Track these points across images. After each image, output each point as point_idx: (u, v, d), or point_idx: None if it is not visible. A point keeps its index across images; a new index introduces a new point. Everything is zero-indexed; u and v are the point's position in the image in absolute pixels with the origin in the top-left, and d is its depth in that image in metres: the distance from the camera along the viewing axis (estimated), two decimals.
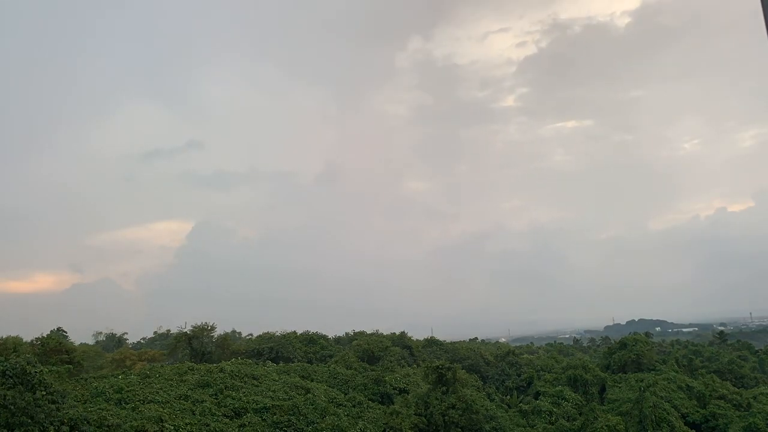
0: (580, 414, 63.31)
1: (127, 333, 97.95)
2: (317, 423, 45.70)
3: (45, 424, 27.39)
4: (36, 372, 29.35)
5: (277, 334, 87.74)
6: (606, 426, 56.33)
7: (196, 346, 71.28)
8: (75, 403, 34.40)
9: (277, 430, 44.11)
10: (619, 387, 71.83)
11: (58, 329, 75.78)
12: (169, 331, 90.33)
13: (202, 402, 44.95)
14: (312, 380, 59.97)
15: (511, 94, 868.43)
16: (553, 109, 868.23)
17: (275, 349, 76.99)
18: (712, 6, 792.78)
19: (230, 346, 77.68)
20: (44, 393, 28.79)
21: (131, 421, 35.72)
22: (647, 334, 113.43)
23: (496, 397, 70.62)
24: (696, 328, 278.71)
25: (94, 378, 49.46)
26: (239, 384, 51.45)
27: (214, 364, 58.15)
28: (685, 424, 63.50)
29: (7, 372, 28.23)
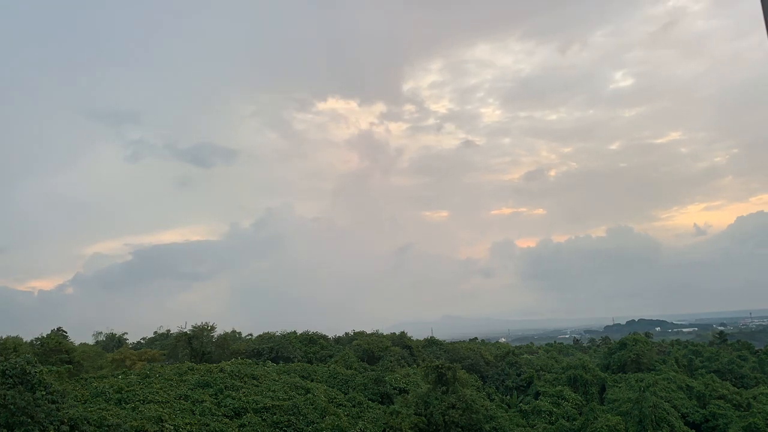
0: (580, 414, 63.31)
1: (127, 333, 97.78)
2: (317, 423, 45.69)
3: (45, 424, 27.38)
4: (36, 372, 29.33)
5: (277, 334, 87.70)
6: (606, 426, 56.30)
7: (196, 346, 71.21)
8: (75, 403, 34.38)
9: (277, 430, 44.10)
10: (619, 387, 71.78)
11: (58, 329, 75.58)
12: (169, 331, 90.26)
13: (202, 402, 44.94)
14: (312, 380, 59.95)
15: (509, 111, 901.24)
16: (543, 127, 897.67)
17: (275, 349, 76.95)
18: (690, 31, 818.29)
19: (230, 346, 77.64)
20: (44, 393, 28.76)
21: (131, 421, 35.71)
22: (647, 334, 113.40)
23: (496, 397, 70.60)
24: (696, 328, 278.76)
25: (94, 378, 49.42)
26: (239, 384, 51.44)
27: (214, 364, 58.12)
28: (685, 424, 63.47)
29: (7, 372, 28.22)
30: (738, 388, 75.95)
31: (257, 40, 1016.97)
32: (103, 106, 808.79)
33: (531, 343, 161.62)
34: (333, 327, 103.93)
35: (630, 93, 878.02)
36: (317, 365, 70.50)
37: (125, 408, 39.75)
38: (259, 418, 44.42)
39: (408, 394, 58.60)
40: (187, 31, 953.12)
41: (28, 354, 35.47)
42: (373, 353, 76.46)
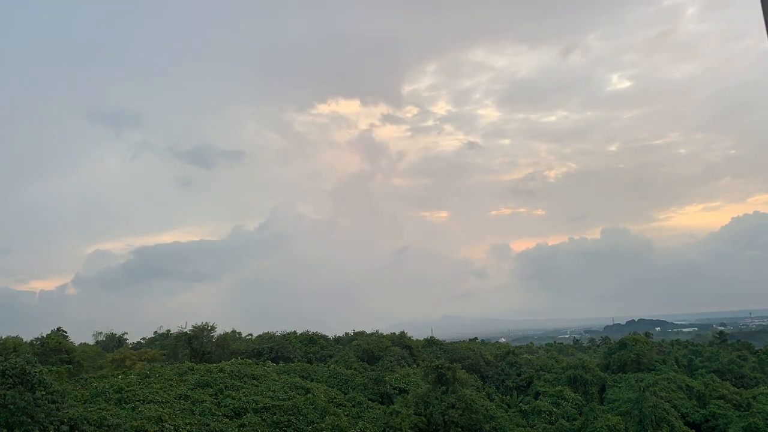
0: (580, 414, 63.29)
1: (126, 333, 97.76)
2: (317, 423, 45.69)
3: (45, 424, 27.37)
4: (36, 372, 29.32)
5: (277, 334, 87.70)
6: (606, 426, 56.29)
7: (196, 346, 71.22)
8: (75, 403, 34.38)
9: (277, 430, 44.09)
10: (619, 387, 71.75)
11: (58, 329, 75.56)
12: (169, 331, 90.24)
13: (202, 402, 44.94)
14: (312, 380, 59.96)
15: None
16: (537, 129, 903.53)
17: (275, 349, 76.93)
18: (686, 34, 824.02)
19: (230, 346, 77.61)
20: (44, 393, 28.76)
21: (131, 421, 35.71)
22: (647, 334, 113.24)
23: (495, 397, 70.55)
24: (696, 328, 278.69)
25: (94, 378, 49.47)
26: (239, 384, 51.45)
27: (214, 364, 58.13)
28: (685, 424, 63.45)
29: (7, 372, 28.21)
30: (738, 388, 75.86)
31: (257, 42, 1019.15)
32: (105, 108, 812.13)
33: (531, 343, 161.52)
34: (333, 327, 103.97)
35: (627, 95, 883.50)
36: (317, 365, 70.49)
37: (125, 408, 39.76)
38: (259, 418, 44.41)
39: (408, 394, 58.59)
40: (189, 34, 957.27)
41: (28, 354, 35.48)
42: (373, 353, 76.42)
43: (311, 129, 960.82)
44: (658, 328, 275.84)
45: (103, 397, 42.20)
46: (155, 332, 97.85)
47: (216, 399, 46.82)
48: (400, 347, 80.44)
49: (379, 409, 54.16)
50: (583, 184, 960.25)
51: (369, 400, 57.02)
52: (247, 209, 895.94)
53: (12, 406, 26.52)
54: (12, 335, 64.29)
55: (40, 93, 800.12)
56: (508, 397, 73.29)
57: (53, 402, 28.89)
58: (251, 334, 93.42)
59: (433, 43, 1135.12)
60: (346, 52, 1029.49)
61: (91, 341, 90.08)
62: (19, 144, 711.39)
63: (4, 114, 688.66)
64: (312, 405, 48.92)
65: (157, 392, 44.69)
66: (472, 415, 52.09)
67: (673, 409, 63.96)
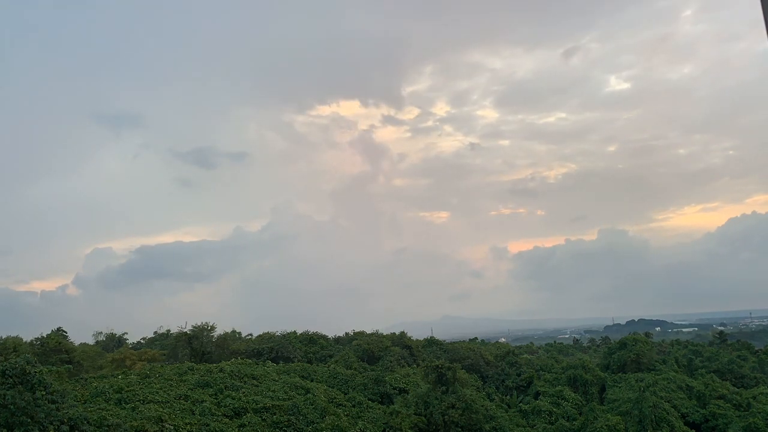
0: (580, 414, 63.30)
1: (126, 333, 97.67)
2: (317, 423, 45.69)
3: (45, 424, 27.38)
4: (36, 372, 29.33)
5: (277, 334, 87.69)
6: (606, 426, 56.30)
7: (196, 346, 71.23)
8: (75, 403, 34.36)
9: (277, 430, 44.09)
10: (619, 387, 71.75)
11: (58, 329, 75.52)
12: (169, 331, 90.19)
13: (202, 402, 44.94)
14: (312, 380, 59.95)
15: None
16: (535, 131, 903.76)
17: (275, 349, 76.92)
18: (683, 35, 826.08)
19: (230, 346, 77.60)
20: (44, 393, 28.76)
21: (131, 421, 35.71)
22: (647, 334, 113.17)
23: (495, 397, 70.53)
24: (696, 328, 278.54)
25: (94, 378, 49.47)
26: (239, 384, 51.44)
27: (214, 364, 58.12)
28: (685, 424, 63.45)
29: (7, 372, 28.21)
30: (738, 388, 75.85)
31: (258, 43, 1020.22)
32: (106, 110, 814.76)
33: (531, 343, 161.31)
34: (333, 327, 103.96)
35: (626, 96, 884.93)
36: (317, 365, 70.50)
37: (125, 408, 39.75)
38: (259, 418, 44.41)
39: (408, 394, 58.58)
40: (190, 36, 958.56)
41: (28, 354, 35.46)
42: (373, 353, 76.44)
43: (312, 130, 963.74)
44: (658, 328, 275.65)
45: (103, 397, 42.20)
46: (155, 332, 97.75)
47: (216, 399, 46.83)
48: (400, 347, 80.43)
49: (379, 409, 54.16)
50: (583, 184, 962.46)
51: (369, 400, 57.02)
52: (248, 210, 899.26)
53: (12, 406, 26.52)
54: (12, 335, 64.34)
55: (42, 94, 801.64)
56: (508, 397, 73.27)
57: (53, 402, 28.90)
58: (251, 334, 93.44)
59: (432, 45, 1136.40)
60: (347, 54, 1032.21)
61: (91, 341, 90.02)
62: (21, 145, 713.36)
63: (6, 115, 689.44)
64: (312, 405, 48.92)
65: (157, 392, 44.70)
66: (472, 415, 52.09)
67: (673, 409, 63.95)
